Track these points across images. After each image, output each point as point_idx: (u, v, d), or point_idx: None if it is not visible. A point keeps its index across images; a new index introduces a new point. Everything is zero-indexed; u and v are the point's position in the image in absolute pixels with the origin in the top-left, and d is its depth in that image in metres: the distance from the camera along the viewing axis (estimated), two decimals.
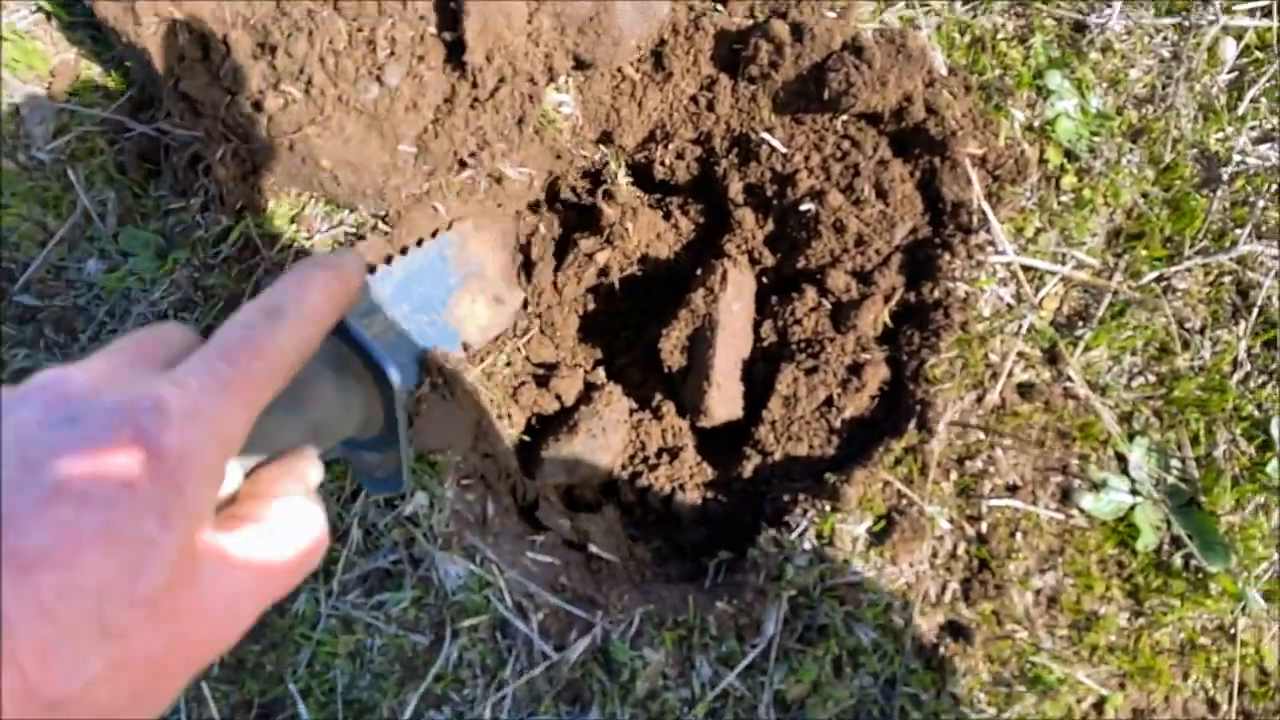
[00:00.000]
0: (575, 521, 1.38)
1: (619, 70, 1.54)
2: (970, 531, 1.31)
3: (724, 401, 1.45)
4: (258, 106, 1.31)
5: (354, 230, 1.42)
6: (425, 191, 1.42)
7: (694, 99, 1.56)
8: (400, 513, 1.28)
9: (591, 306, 1.68)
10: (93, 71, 1.46)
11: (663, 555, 1.43)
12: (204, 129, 1.34)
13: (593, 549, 1.33)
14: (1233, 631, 1.27)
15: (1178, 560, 1.29)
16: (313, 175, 1.36)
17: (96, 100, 1.45)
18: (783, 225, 1.52)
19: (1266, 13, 1.49)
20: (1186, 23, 1.48)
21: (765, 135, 1.51)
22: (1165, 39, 1.49)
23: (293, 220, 1.41)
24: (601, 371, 1.59)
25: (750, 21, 1.53)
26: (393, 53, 1.32)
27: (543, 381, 1.56)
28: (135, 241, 1.40)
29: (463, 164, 1.41)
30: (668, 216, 1.66)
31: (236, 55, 1.31)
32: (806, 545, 1.30)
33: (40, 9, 1.46)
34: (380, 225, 1.41)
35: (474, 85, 1.36)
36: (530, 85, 1.41)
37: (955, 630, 1.27)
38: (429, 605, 1.24)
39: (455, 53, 1.34)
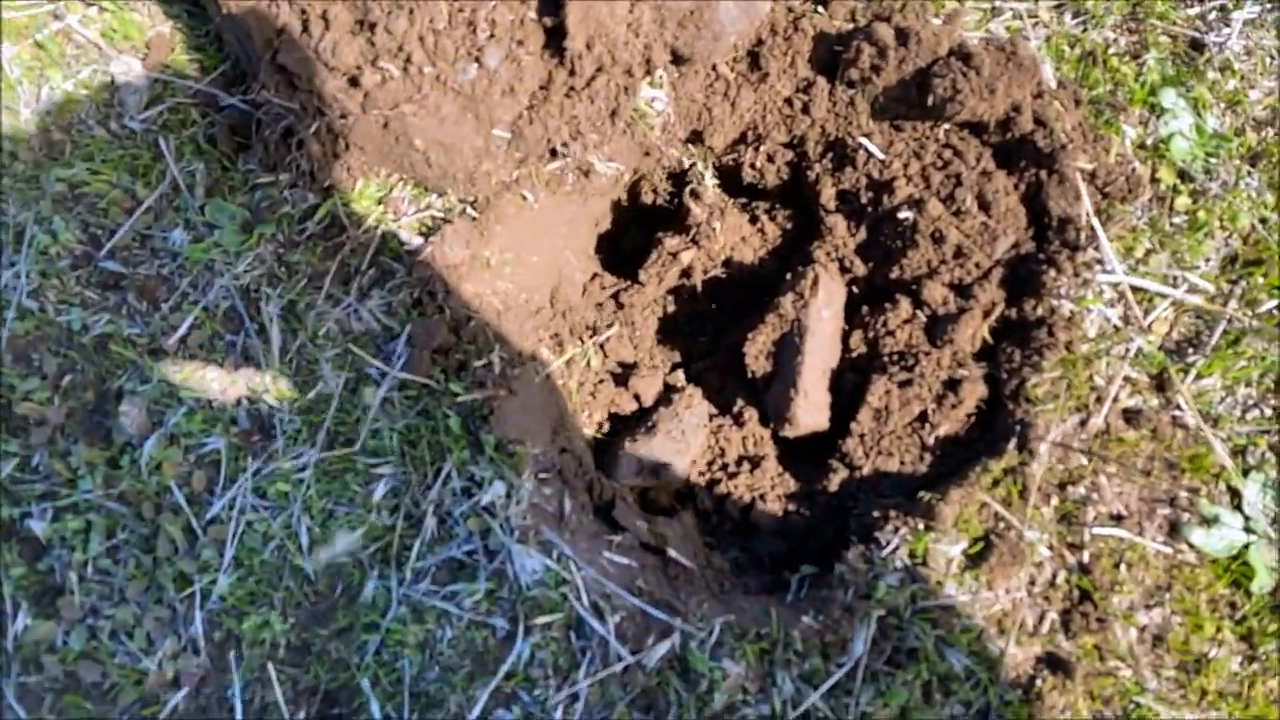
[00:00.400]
0: (652, 525, 1.33)
1: (714, 68, 1.51)
2: (1071, 560, 1.24)
3: (810, 411, 1.40)
4: (354, 82, 1.29)
5: (441, 214, 1.39)
6: (514, 179, 1.39)
7: (789, 101, 1.52)
8: (477, 501, 1.24)
9: (672, 308, 1.64)
10: (189, 44, 1.45)
11: (740, 566, 1.37)
12: (299, 103, 1.32)
13: (671, 553, 1.28)
14: None
15: None
16: (405, 155, 1.34)
17: (191, 73, 1.44)
18: (876, 233, 1.48)
19: None
20: None
21: (863, 140, 1.47)
22: None
23: (380, 201, 1.39)
24: (680, 374, 1.54)
25: (851, 25, 1.50)
26: (493, 35, 1.30)
27: (621, 380, 1.52)
28: (222, 214, 1.38)
29: (554, 153, 1.38)
30: (754, 220, 1.62)
31: (335, 30, 1.29)
32: (898, 564, 1.24)
33: None
34: (469, 210, 1.38)
35: (571, 73, 1.34)
36: (627, 77, 1.38)
37: (1054, 663, 1.20)
38: (502, 599, 1.19)
39: (555, 39, 1.32)
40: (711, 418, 1.49)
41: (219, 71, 1.45)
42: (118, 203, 1.37)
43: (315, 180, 1.36)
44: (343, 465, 1.27)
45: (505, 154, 1.36)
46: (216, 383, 1.30)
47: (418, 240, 1.36)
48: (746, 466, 1.43)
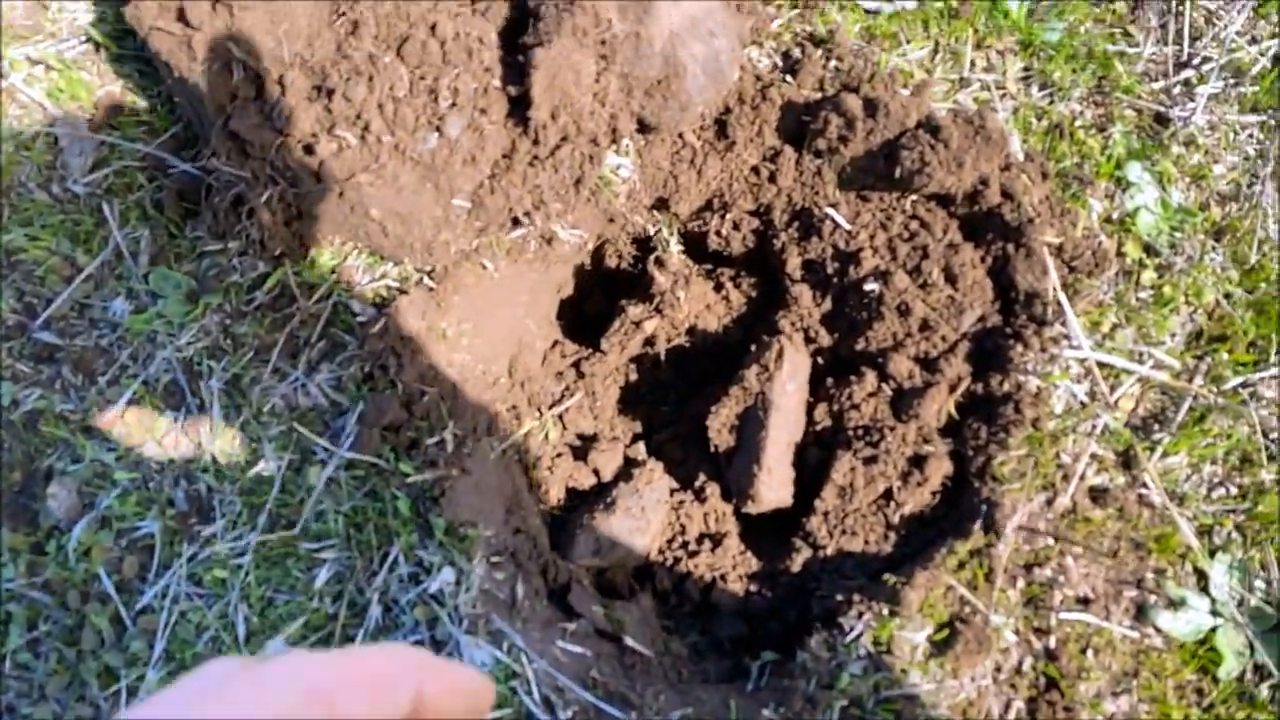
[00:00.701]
0: (609, 610, 1.29)
1: (681, 136, 1.48)
2: (1038, 645, 1.21)
3: (774, 487, 1.36)
4: (309, 150, 1.25)
5: (397, 284, 1.35)
6: (474, 248, 1.35)
7: (756, 169, 1.50)
8: (425, 589, 1.19)
9: (635, 377, 1.60)
10: (138, 106, 1.41)
11: (699, 651, 1.32)
12: (251, 170, 1.28)
13: (628, 641, 1.23)
14: None
15: (1264, 691, 1.19)
16: (360, 225, 1.30)
17: (139, 135, 1.40)
18: (842, 304, 1.45)
19: None
20: (1272, 120, 1.43)
21: (830, 211, 1.45)
22: (1251, 136, 1.43)
23: (333, 271, 1.35)
24: (642, 446, 1.50)
25: (820, 95, 1.49)
26: (455, 103, 1.27)
27: (580, 454, 1.48)
28: (166, 283, 1.33)
29: (516, 222, 1.35)
30: (719, 288, 1.59)
31: (292, 96, 1.25)
32: (861, 651, 1.20)
33: (90, 40, 1.41)
34: (425, 280, 1.34)
35: (535, 142, 1.31)
36: (592, 146, 1.35)
37: None
38: None
39: (519, 108, 1.29)
40: (673, 493, 1.45)
41: (169, 134, 1.41)
42: (56, 270, 1.31)
43: (266, 249, 1.32)
44: (284, 550, 1.21)
45: (465, 223, 1.33)
46: (154, 462, 1.25)
47: (371, 311, 1.32)
48: (708, 545, 1.39)
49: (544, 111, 1.27)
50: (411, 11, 1.28)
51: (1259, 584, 1.24)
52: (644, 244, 1.61)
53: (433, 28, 1.26)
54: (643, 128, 1.41)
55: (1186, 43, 1.48)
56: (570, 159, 1.34)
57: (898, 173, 1.37)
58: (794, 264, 1.48)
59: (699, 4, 1.33)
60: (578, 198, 1.39)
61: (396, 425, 1.27)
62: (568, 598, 1.28)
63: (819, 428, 1.43)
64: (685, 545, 1.41)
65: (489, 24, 1.31)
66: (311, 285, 1.33)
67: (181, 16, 1.25)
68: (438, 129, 1.25)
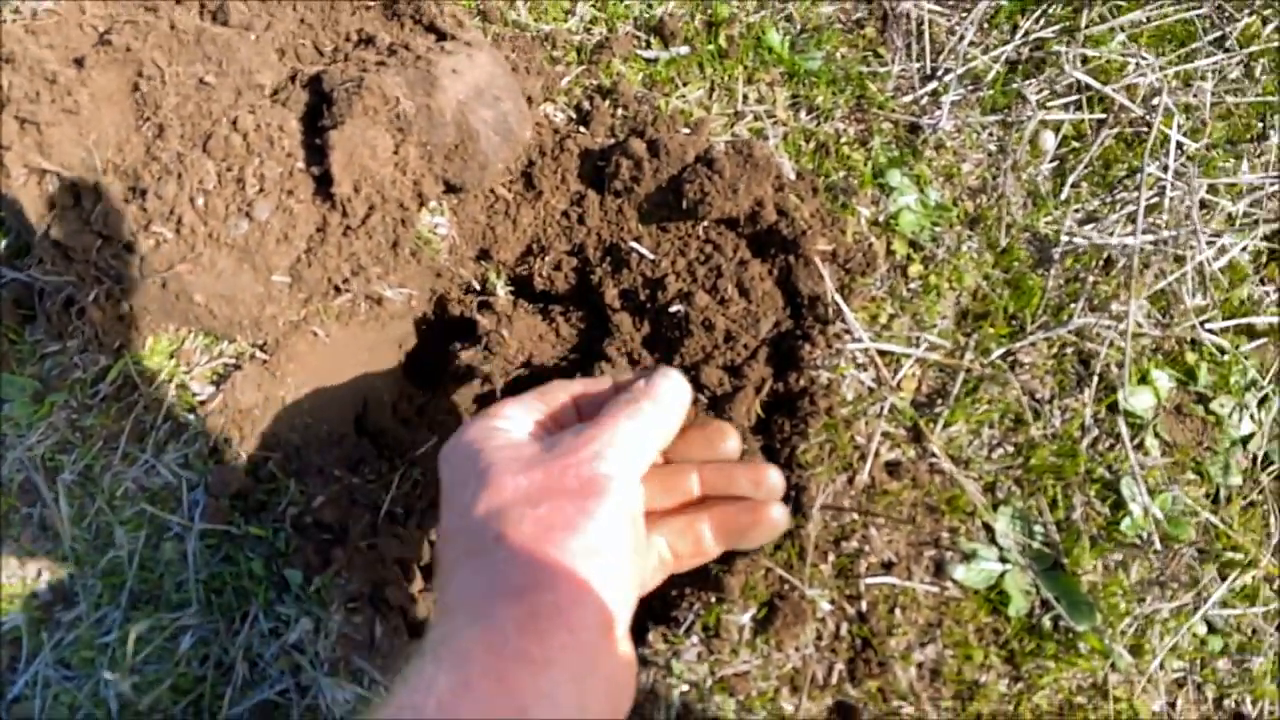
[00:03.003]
0: None
1: (491, 191, 1.61)
2: (851, 611, 1.35)
3: None
4: (129, 248, 1.34)
5: (234, 361, 1.44)
6: (303, 318, 1.45)
7: (565, 214, 1.63)
8: (285, 640, 1.27)
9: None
10: None
11: None
12: (76, 273, 1.36)
13: None
14: (1106, 688, 1.32)
15: (1048, 623, 1.34)
16: (188, 310, 1.39)
17: None
18: (657, 327, 1.59)
19: (1079, 106, 1.63)
20: (1009, 119, 1.62)
21: (634, 244, 1.59)
22: (991, 135, 1.62)
23: (172, 355, 1.43)
24: None
25: (612, 140, 1.63)
26: (262, 189, 1.37)
27: (437, 494, 1.58)
28: (11, 387, 1.40)
29: (338, 289, 1.46)
30: (551, 323, 1.72)
31: (107, 200, 1.35)
32: (694, 639, 1.32)
33: None
34: (258, 354, 1.43)
35: (344, 215, 1.42)
36: (401, 210, 1.47)
37: (844, 711, 1.30)
38: None
39: (323, 185, 1.40)
40: None
41: (3, 246, 1.48)
42: None
43: (103, 344, 1.40)
44: (148, 624, 1.29)
45: (289, 296, 1.43)
46: (14, 559, 1.31)
47: (210, 390, 1.41)
48: None
49: (346, 186, 1.38)
50: (214, 110, 1.38)
51: (1038, 529, 1.41)
52: (479, 291, 1.73)
53: (234, 122, 1.37)
54: (450, 189, 1.54)
55: (929, 58, 1.66)
56: (382, 225, 1.45)
57: (684, 204, 1.51)
58: (611, 295, 1.62)
59: (480, 73, 1.46)
60: (397, 259, 1.50)
61: (244, 492, 1.36)
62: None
63: None
64: None
65: (289, 113, 1.42)
66: (153, 372, 1.41)
67: None
68: (247, 214, 1.35)
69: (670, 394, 0.76)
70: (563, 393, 0.80)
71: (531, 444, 0.71)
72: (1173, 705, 1.32)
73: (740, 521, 0.78)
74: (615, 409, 0.72)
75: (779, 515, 0.78)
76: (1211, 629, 1.36)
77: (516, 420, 0.75)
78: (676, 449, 0.82)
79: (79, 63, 1.38)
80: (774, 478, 0.81)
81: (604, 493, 0.65)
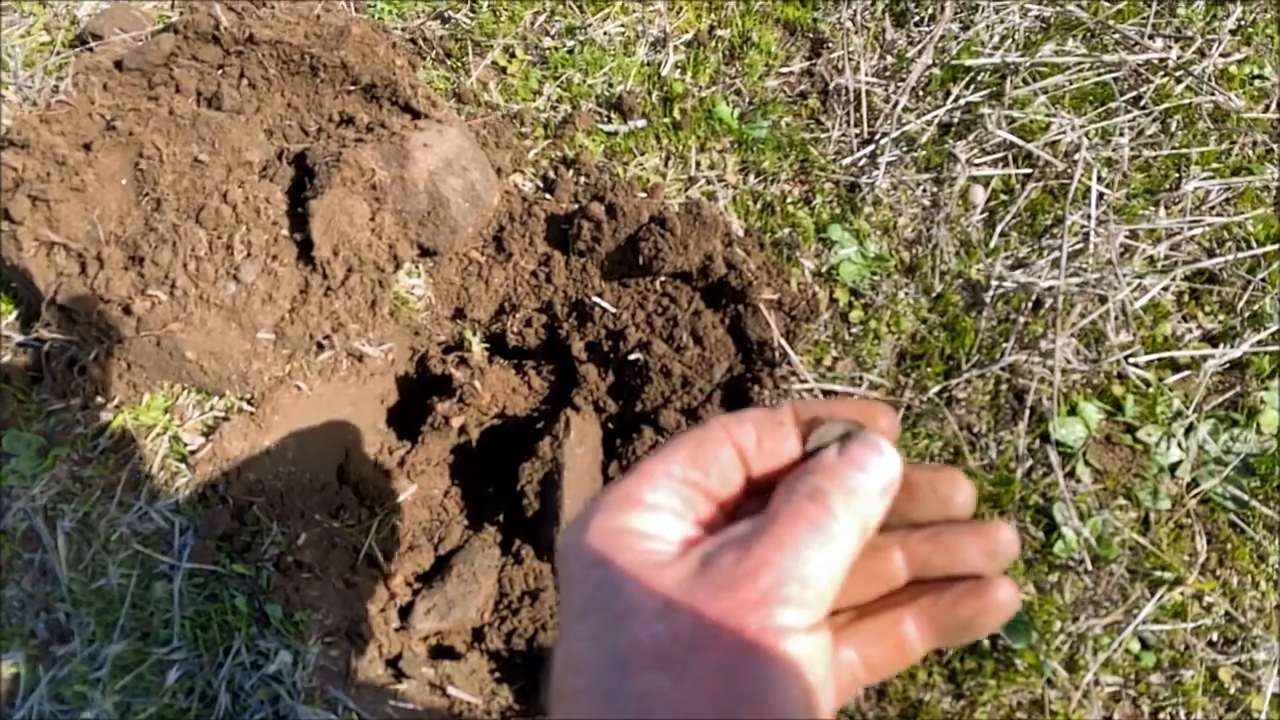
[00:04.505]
0: (439, 668, 1.46)
1: (465, 254, 1.75)
2: None
3: None
4: (127, 310, 1.47)
5: (223, 414, 1.55)
6: (287, 373, 1.57)
7: (534, 274, 1.76)
8: (265, 672, 1.35)
9: (459, 463, 1.81)
10: None
11: (526, 693, 1.50)
12: (79, 334, 1.49)
13: (452, 692, 1.41)
14: (1044, 704, 1.38)
15: (986, 642, 1.41)
16: (180, 367, 1.51)
17: None
18: (621, 375, 1.70)
19: (1006, 162, 1.77)
20: (941, 176, 1.75)
21: (597, 299, 1.71)
22: (925, 190, 1.75)
23: (166, 410, 1.55)
24: (467, 522, 1.70)
25: (575, 205, 1.77)
26: (249, 254, 1.50)
27: (417, 541, 1.67)
28: (18, 443, 1.52)
29: (320, 346, 1.58)
30: (524, 376, 1.83)
31: (109, 268, 1.48)
32: None
33: None
34: (245, 407, 1.55)
35: (325, 276, 1.55)
36: (379, 272, 1.60)
37: None
38: None
39: (305, 250, 1.53)
40: (501, 558, 1.65)
41: (14, 316, 1.62)
42: None
43: (103, 401, 1.52)
44: (137, 658, 1.37)
45: (273, 353, 1.55)
46: (16, 600, 1.41)
47: (200, 440, 1.52)
48: (528, 600, 1.59)
49: (326, 250, 1.51)
50: (206, 185, 1.52)
51: None
52: (457, 348, 1.85)
53: (224, 195, 1.51)
54: (424, 252, 1.67)
55: (866, 124, 1.81)
56: (360, 286, 1.58)
57: (640, 260, 1.64)
58: (578, 347, 1.73)
59: (449, 146, 1.61)
60: (375, 318, 1.63)
61: (229, 535, 1.46)
62: (399, 664, 1.45)
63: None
64: (510, 605, 1.60)
65: (275, 186, 1.56)
66: (148, 426, 1.53)
67: (6, 214, 1.48)
68: (235, 277, 1.48)
69: (875, 477, 0.50)
70: (725, 444, 0.52)
71: (678, 562, 0.47)
72: (1110, 719, 1.38)
73: (961, 614, 0.53)
74: (795, 509, 0.48)
75: (1010, 598, 0.52)
76: (1144, 645, 1.42)
77: (659, 517, 0.50)
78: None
79: (87, 147, 1.54)
80: (1008, 540, 0.53)
81: (781, 656, 0.44)
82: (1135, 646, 1.42)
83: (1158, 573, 1.45)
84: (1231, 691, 1.39)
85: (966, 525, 0.55)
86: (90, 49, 1.78)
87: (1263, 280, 1.63)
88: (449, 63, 1.88)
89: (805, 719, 0.45)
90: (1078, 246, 1.68)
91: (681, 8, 1.93)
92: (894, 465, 0.52)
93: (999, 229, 1.70)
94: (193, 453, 1.51)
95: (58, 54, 1.80)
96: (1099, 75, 1.84)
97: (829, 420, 0.53)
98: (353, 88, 1.70)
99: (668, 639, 0.45)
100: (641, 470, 0.52)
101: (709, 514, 0.52)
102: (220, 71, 1.69)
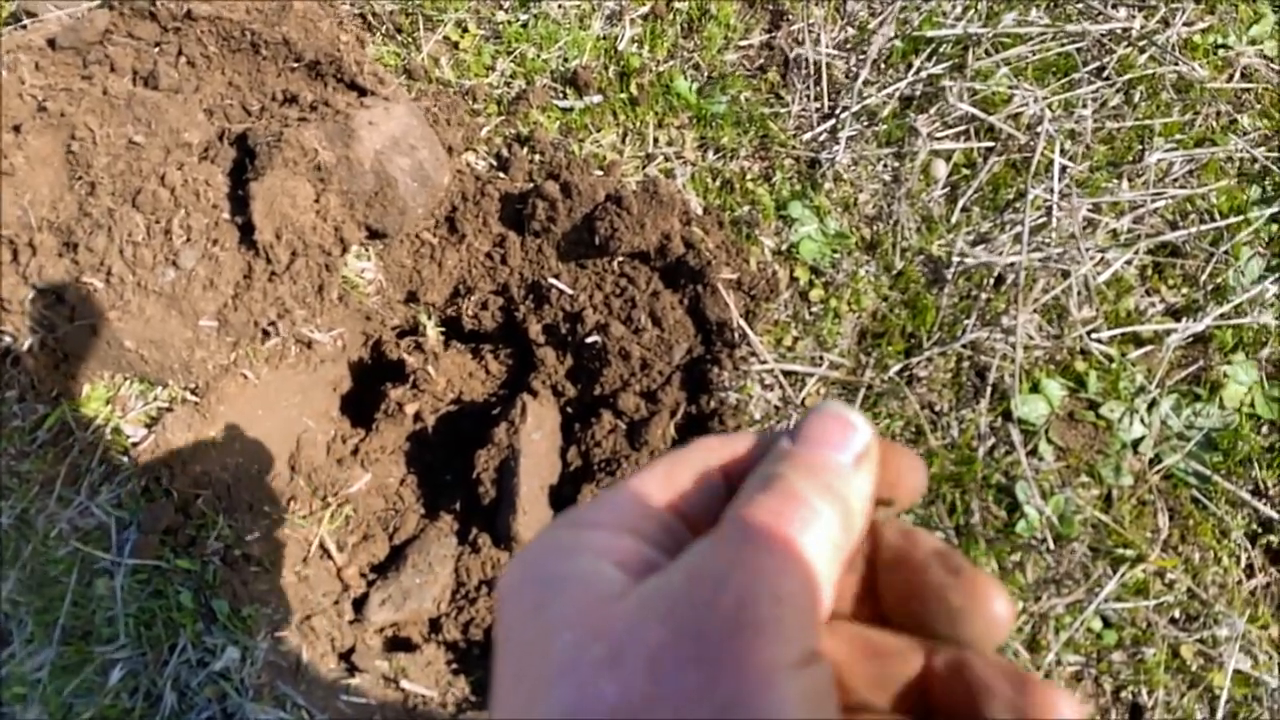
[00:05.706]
0: (393, 661, 1.43)
1: (416, 236, 1.70)
2: None
3: (531, 526, 1.54)
4: (61, 299, 1.42)
5: (166, 404, 1.50)
6: (232, 361, 1.52)
7: (489, 255, 1.72)
8: (212, 669, 1.32)
9: (414, 450, 1.77)
10: None
11: (482, 685, 1.47)
12: (12, 325, 1.43)
13: (405, 685, 1.38)
14: None
15: None
16: (120, 356, 1.46)
17: None
18: (579, 359, 1.67)
19: (968, 135, 1.74)
20: (902, 150, 1.72)
21: (554, 281, 1.67)
22: (886, 165, 1.72)
23: (108, 401, 1.50)
24: (423, 511, 1.67)
25: (530, 184, 1.72)
26: (188, 239, 1.45)
27: (372, 530, 1.63)
28: None
29: (266, 333, 1.53)
30: (481, 360, 1.79)
31: (42, 255, 1.42)
32: None
33: None
34: (190, 396, 1.50)
35: (268, 261, 1.50)
36: (325, 256, 1.55)
37: None
38: None
39: (247, 234, 1.48)
40: (457, 547, 1.62)
41: None
42: None
43: (40, 393, 1.47)
44: (79, 658, 1.33)
45: (217, 340, 1.50)
46: None
47: (142, 432, 1.47)
48: (485, 590, 1.55)
49: (268, 234, 1.46)
50: (143, 167, 1.47)
51: (938, 534, 1.46)
52: (411, 333, 1.80)
53: (162, 178, 1.46)
54: (373, 234, 1.62)
55: (827, 98, 1.77)
56: (306, 270, 1.53)
57: (596, 240, 1.60)
58: (535, 330, 1.69)
59: (396, 124, 1.56)
60: (323, 303, 1.58)
61: (174, 529, 1.41)
62: (352, 657, 1.42)
63: (573, 468, 1.62)
64: (467, 595, 1.57)
65: (216, 168, 1.51)
66: (89, 418, 1.48)
67: None
68: (174, 263, 1.43)
69: (841, 449, 0.39)
70: (697, 465, 0.41)
71: (629, 594, 0.35)
72: None
73: None
74: (751, 506, 0.37)
75: None
76: (1106, 623, 1.41)
77: (606, 544, 0.37)
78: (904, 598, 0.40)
79: (17, 129, 1.48)
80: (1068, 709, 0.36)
81: (764, 709, 0.31)
82: (1097, 625, 1.41)
83: (1120, 550, 1.43)
84: (1193, 668, 1.38)
85: (1012, 669, 0.38)
86: (24, 26, 1.71)
87: (1225, 253, 1.61)
88: (399, 38, 1.83)
89: None
90: (1040, 221, 1.65)
91: None
92: (863, 431, 0.40)
93: (960, 204, 1.67)
94: (135, 445, 1.46)
95: None
96: (1062, 46, 1.81)
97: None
98: (296, 65, 1.64)
99: (618, 702, 0.32)
100: (598, 501, 0.40)
101: (676, 536, 0.39)
102: (157, 49, 1.63)
